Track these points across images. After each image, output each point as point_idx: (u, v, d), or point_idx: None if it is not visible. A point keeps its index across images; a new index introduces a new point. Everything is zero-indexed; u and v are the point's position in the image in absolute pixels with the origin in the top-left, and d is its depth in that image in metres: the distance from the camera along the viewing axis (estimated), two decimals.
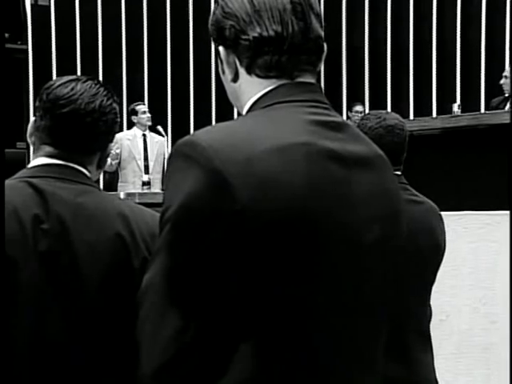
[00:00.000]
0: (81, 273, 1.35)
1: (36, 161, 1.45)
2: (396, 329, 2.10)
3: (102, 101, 1.46)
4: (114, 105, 1.50)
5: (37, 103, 1.49)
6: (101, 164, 1.52)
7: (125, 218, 1.39)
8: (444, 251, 2.37)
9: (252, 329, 1.04)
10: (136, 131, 7.16)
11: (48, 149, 1.45)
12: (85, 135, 1.45)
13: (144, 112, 7.14)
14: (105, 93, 1.48)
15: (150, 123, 7.12)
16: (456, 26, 8.39)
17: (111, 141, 1.53)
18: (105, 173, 7.94)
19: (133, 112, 7.20)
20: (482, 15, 8.22)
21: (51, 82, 1.48)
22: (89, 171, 1.47)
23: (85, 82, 1.47)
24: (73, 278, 1.35)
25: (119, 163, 7.11)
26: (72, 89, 1.45)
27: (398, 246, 1.21)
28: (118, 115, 1.53)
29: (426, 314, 2.32)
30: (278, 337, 1.05)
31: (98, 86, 1.48)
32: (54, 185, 1.39)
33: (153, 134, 7.20)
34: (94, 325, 1.36)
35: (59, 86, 1.46)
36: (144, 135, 7.14)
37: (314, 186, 1.07)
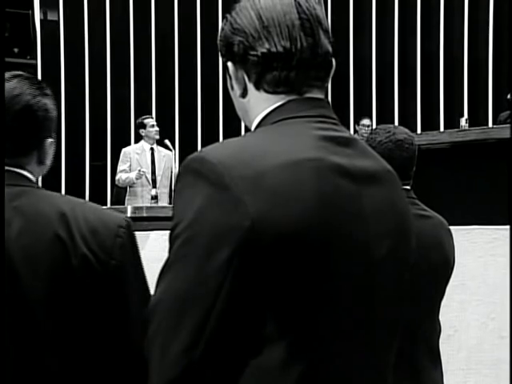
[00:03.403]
0: (20, 279, 1.30)
1: None
2: (405, 344, 2.09)
3: (28, 100, 1.41)
4: (44, 101, 1.44)
5: None
6: (41, 159, 1.45)
7: (63, 216, 1.34)
8: (453, 266, 2.36)
9: (263, 345, 1.04)
10: (144, 145, 7.17)
11: None
12: (13, 138, 1.40)
13: (152, 125, 7.13)
14: (30, 91, 1.42)
15: (158, 137, 7.12)
16: (463, 40, 8.41)
17: (49, 136, 1.46)
18: (113, 186, 7.97)
19: (141, 125, 7.20)
20: (489, 29, 8.24)
21: None
22: (29, 171, 1.42)
23: (10, 81, 1.42)
24: (13, 286, 1.30)
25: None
26: None
27: (407, 261, 1.20)
28: (53, 109, 1.46)
29: (435, 329, 2.31)
30: (291, 352, 1.04)
31: (23, 84, 1.42)
32: None
33: (160, 148, 7.21)
34: (41, 327, 1.31)
35: None
36: (152, 149, 7.15)
37: (324, 201, 1.06)
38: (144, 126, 7.14)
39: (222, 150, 1.08)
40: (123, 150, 7.26)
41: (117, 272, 1.34)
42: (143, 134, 7.17)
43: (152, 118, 7.41)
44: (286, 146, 1.09)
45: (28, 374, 1.31)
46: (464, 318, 3.54)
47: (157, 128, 7.13)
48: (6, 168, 1.40)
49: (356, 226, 1.10)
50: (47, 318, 1.31)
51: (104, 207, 1.63)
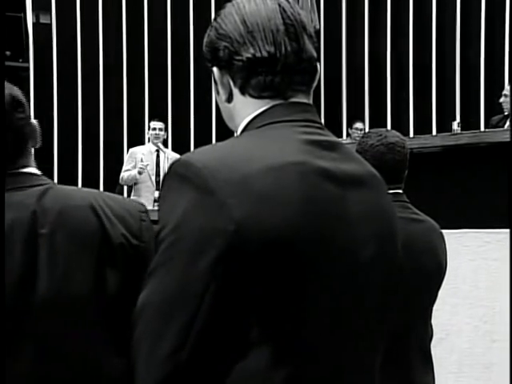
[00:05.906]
0: (71, 270, 1.35)
1: None
2: (397, 348, 2.09)
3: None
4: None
5: None
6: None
7: (93, 208, 1.39)
8: (445, 270, 2.37)
9: (249, 347, 1.04)
10: (150, 147, 7.15)
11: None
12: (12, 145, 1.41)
13: (154, 129, 7.13)
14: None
15: (156, 140, 7.09)
16: (456, 44, 8.42)
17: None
18: (105, 190, 7.94)
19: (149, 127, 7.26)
20: (481, 33, 8.26)
21: None
22: (34, 167, 1.45)
23: None
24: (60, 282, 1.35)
25: None
26: None
27: (394, 264, 1.21)
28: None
29: (427, 332, 2.32)
30: (278, 354, 1.04)
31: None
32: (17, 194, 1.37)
33: (167, 151, 7.20)
34: (91, 320, 1.37)
35: None
36: (157, 151, 7.13)
37: (310, 204, 1.07)
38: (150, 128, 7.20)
39: (207, 154, 1.08)
40: (130, 150, 7.28)
41: (145, 253, 1.41)
42: (148, 136, 7.20)
43: (158, 121, 7.29)
44: (271, 150, 1.09)
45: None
46: (456, 321, 3.55)
47: (158, 132, 7.08)
48: (22, 170, 1.41)
49: (341, 229, 1.10)
50: (98, 312, 1.36)
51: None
